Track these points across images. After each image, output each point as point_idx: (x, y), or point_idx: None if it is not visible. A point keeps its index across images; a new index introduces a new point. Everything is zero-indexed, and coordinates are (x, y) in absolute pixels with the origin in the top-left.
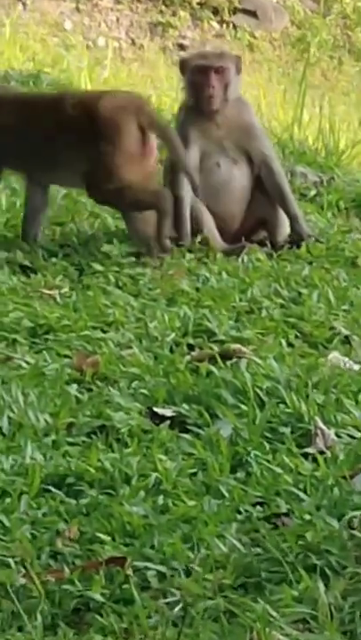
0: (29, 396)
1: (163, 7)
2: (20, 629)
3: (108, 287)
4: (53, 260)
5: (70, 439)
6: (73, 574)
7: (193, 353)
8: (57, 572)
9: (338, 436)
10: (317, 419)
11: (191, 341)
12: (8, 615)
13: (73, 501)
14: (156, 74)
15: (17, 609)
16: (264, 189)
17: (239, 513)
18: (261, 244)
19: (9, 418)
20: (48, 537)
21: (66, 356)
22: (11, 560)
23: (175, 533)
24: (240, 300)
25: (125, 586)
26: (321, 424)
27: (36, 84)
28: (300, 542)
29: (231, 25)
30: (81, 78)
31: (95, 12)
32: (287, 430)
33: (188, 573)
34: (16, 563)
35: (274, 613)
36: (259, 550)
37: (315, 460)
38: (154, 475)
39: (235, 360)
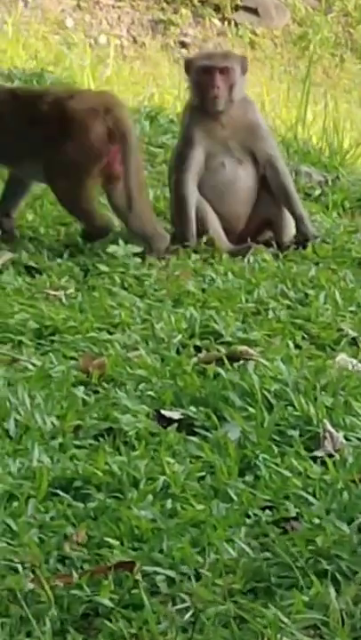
0: (36, 398)
1: (164, 5)
2: (29, 635)
3: (114, 288)
4: (59, 260)
5: (77, 442)
6: (81, 579)
7: (200, 355)
8: (65, 576)
9: (347, 438)
10: (326, 421)
11: (198, 343)
12: (17, 620)
13: (81, 505)
14: (158, 71)
15: (25, 614)
16: (269, 190)
17: (248, 517)
18: (267, 244)
19: (15, 420)
20: (56, 541)
21: (72, 358)
22: (19, 565)
23: (184, 537)
24: (246, 301)
25: (134, 591)
26: (330, 427)
27: (40, 82)
28: (309, 547)
29: (233, 22)
30: (84, 76)
31: (96, 10)
32: (295, 433)
33: (197, 578)
34: (24, 568)
35: (285, 619)
36: (268, 555)
37: (323, 463)
38: (162, 478)
39: (242, 362)
